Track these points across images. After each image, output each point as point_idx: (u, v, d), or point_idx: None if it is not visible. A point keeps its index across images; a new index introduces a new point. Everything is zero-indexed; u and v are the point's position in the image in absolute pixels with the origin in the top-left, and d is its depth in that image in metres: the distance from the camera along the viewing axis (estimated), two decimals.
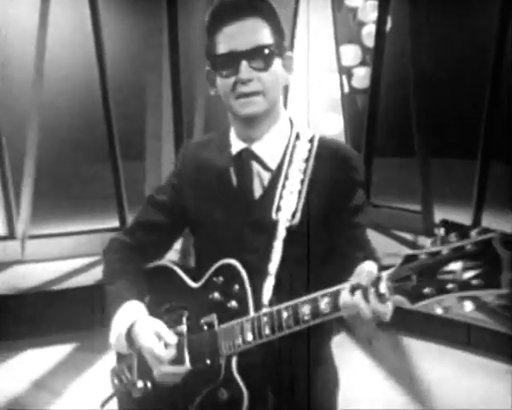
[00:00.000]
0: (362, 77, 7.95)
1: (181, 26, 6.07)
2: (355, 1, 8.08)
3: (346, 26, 8.02)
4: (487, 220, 5.80)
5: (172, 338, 1.39)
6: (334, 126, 7.33)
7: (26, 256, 5.35)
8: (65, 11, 6.09)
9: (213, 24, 1.40)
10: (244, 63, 1.36)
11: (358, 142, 6.95)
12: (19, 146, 5.51)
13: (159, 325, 1.41)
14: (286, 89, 6.91)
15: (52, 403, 3.48)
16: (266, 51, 1.37)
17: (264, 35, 1.38)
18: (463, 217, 5.77)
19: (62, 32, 6.16)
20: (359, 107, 8.00)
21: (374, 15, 7.26)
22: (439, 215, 5.88)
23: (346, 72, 7.79)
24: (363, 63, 8.06)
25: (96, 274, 4.77)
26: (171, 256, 1.62)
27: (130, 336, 1.43)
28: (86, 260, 5.20)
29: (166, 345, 1.38)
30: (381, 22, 6.85)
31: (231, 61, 1.37)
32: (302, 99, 6.98)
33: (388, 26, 7.16)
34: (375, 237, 5.64)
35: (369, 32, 7.73)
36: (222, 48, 1.38)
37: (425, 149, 6.21)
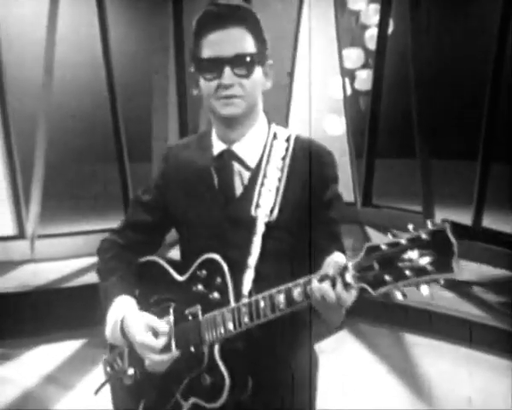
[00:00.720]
0: (364, 79, 8.01)
1: (186, 28, 6.16)
2: (358, 4, 8.12)
3: (348, 29, 8.08)
4: (488, 221, 5.86)
5: (164, 327, 1.47)
6: (336, 128, 7.39)
7: (36, 255, 5.45)
8: (73, 15, 6.18)
9: (200, 30, 1.48)
10: (227, 69, 1.43)
11: (360, 143, 7.03)
12: (28, 148, 5.60)
13: (148, 317, 1.49)
14: (289, 91, 6.99)
15: (62, 396, 3.59)
16: (248, 59, 1.44)
17: (248, 44, 1.45)
18: (464, 217, 5.84)
19: (70, 35, 6.25)
20: (362, 108, 8.07)
21: (376, 19, 7.30)
22: (439, 216, 5.94)
23: (348, 74, 7.85)
24: (365, 66, 8.12)
25: None
26: (174, 255, 1.71)
27: (122, 329, 1.51)
28: (94, 259, 5.28)
29: (157, 334, 1.47)
30: (382, 25, 6.92)
31: (215, 65, 1.44)
32: (305, 101, 7.06)
33: (390, 29, 7.23)
34: (376, 237, 5.76)
35: (371, 35, 7.78)
36: (207, 53, 1.45)
37: (426, 150, 6.27)
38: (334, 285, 1.24)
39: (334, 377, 3.76)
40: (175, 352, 1.46)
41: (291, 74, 6.92)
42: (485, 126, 5.78)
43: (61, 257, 5.44)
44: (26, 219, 5.52)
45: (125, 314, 1.51)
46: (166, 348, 1.47)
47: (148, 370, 1.50)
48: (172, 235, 1.70)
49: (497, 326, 4.27)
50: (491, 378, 3.82)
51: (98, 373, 3.68)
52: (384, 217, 6.49)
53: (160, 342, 1.46)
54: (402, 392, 3.69)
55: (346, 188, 6.90)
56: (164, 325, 1.48)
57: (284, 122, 6.87)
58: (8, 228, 5.46)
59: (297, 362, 1.53)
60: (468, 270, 5.45)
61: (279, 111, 6.52)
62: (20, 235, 5.48)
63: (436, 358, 4.12)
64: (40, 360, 4.08)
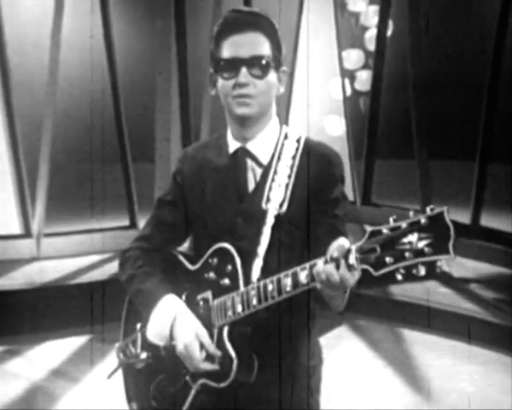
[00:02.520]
0: (364, 80, 8.07)
1: (189, 29, 6.24)
2: (357, 6, 8.17)
3: (348, 31, 8.14)
4: (486, 220, 5.93)
5: (210, 345, 1.52)
6: (336, 128, 7.45)
7: (42, 253, 5.54)
8: (77, 17, 6.25)
9: (220, 34, 1.58)
10: (244, 69, 1.53)
11: (360, 144, 7.09)
12: (33, 148, 5.69)
13: (198, 326, 1.54)
14: (289, 92, 7.06)
15: (69, 389, 3.69)
16: (264, 62, 1.55)
17: (264, 47, 1.56)
18: (463, 216, 5.91)
19: (75, 37, 6.32)
20: (362, 109, 8.14)
21: (376, 20, 7.36)
22: None
23: (348, 75, 7.92)
24: (365, 67, 8.17)
25: (107, 270, 4.94)
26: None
27: (172, 328, 1.55)
28: (98, 257, 5.39)
29: (202, 346, 1.52)
30: (381, 27, 6.99)
31: (233, 65, 1.53)
32: (305, 101, 7.11)
33: (390, 30, 7.30)
34: None
35: (371, 37, 7.84)
36: (226, 53, 1.55)
37: (424, 150, 6.33)
38: (338, 267, 1.31)
39: (334, 373, 3.83)
40: (213, 366, 1.51)
41: (291, 75, 6.99)
42: (483, 127, 5.84)
43: (67, 255, 5.53)
44: (31, 218, 5.60)
45: (177, 314, 1.56)
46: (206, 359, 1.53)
47: (161, 354, 1.57)
48: None
49: (495, 322, 4.35)
50: (490, 373, 3.88)
51: (103, 367, 3.78)
52: (383, 216, 6.51)
53: (202, 355, 1.51)
54: (400, 387, 3.75)
55: (346, 187, 6.96)
56: (209, 342, 1.52)
57: (284, 123, 6.93)
58: (15, 227, 5.55)
59: (302, 351, 1.60)
60: (466, 267, 5.52)
61: (279, 111, 6.56)
62: (27, 234, 5.56)
63: (434, 353, 4.19)
64: (47, 355, 4.17)
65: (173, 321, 1.55)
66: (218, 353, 1.51)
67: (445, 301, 4.70)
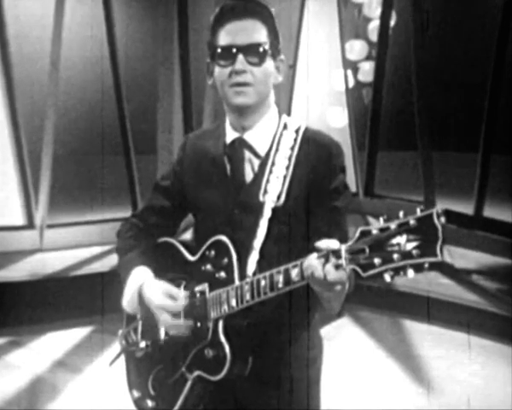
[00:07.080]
0: (367, 71, 8.06)
1: (191, 20, 6.24)
2: None
3: (351, 22, 8.12)
4: (489, 211, 5.93)
5: (179, 292, 1.58)
6: (339, 120, 7.43)
7: (45, 245, 5.56)
8: (79, 9, 6.26)
9: (217, 22, 1.55)
10: (240, 56, 1.51)
11: (363, 135, 7.08)
12: (36, 140, 5.71)
13: (165, 284, 1.60)
14: (291, 83, 7.05)
15: (71, 380, 3.71)
16: (261, 49, 1.54)
17: (261, 35, 1.55)
18: (466, 207, 5.91)
19: (77, 29, 6.34)
20: (365, 101, 8.12)
21: (379, 11, 7.34)
22: (441, 206, 5.93)
23: (351, 66, 7.90)
24: (368, 58, 8.16)
25: (110, 261, 4.96)
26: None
27: (140, 296, 1.61)
28: (101, 248, 5.40)
29: (174, 299, 1.57)
30: (384, 17, 6.96)
31: (230, 53, 1.52)
32: (308, 92, 7.11)
33: (393, 21, 7.27)
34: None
35: (374, 28, 7.82)
36: (222, 41, 1.54)
37: (427, 141, 6.32)
38: (324, 263, 1.31)
39: (335, 363, 3.85)
40: (186, 321, 1.56)
41: (293, 67, 6.98)
42: (486, 118, 5.83)
43: (69, 246, 5.55)
44: (35, 210, 5.62)
45: (143, 282, 1.61)
46: (178, 316, 1.57)
47: (161, 338, 1.59)
48: (185, 220, 1.80)
49: (497, 313, 4.35)
50: (491, 364, 3.89)
51: (105, 358, 3.79)
52: (385, 207, 6.55)
53: (179, 304, 1.56)
54: (401, 377, 3.76)
55: (348, 179, 6.97)
56: (178, 290, 1.58)
57: (286, 114, 6.93)
58: (18, 218, 5.57)
59: (300, 343, 1.60)
60: (468, 258, 5.52)
61: (281, 103, 6.56)
62: (30, 225, 5.58)
63: (435, 344, 4.19)
64: (49, 346, 4.19)
65: (140, 288, 1.60)
66: (181, 294, 1.56)
67: (447, 292, 4.71)
